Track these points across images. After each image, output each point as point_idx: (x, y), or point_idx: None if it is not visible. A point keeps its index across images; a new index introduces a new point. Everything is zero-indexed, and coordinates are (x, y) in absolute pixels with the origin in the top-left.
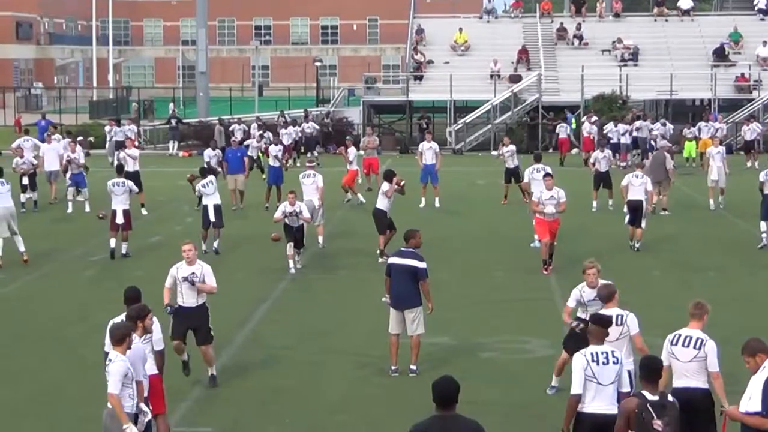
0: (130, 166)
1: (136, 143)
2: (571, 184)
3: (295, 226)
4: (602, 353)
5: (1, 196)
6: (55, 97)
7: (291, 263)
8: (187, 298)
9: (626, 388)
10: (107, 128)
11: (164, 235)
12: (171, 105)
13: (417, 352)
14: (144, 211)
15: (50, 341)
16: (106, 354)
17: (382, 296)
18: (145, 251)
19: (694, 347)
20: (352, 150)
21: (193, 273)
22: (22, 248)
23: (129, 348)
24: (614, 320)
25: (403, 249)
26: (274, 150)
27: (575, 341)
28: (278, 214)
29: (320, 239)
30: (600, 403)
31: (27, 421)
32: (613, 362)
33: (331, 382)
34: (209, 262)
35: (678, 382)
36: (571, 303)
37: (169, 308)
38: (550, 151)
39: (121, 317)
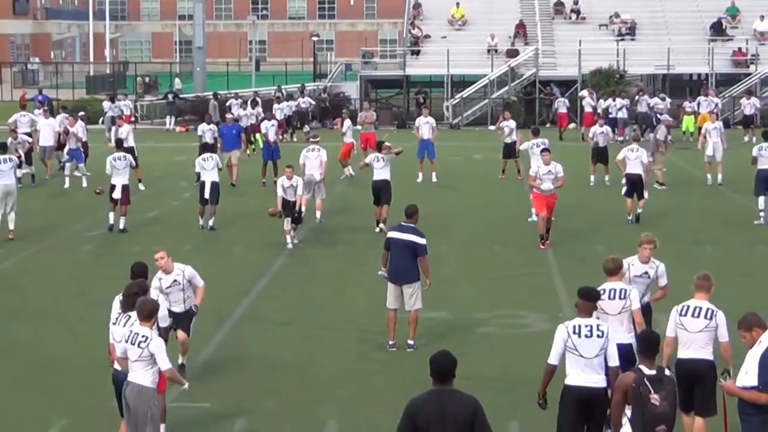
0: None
1: (132, 119)
2: (569, 158)
3: (292, 201)
4: (586, 326)
5: (2, 174)
6: (52, 72)
7: (288, 238)
8: (175, 305)
9: (614, 363)
10: (105, 104)
11: (161, 211)
12: (177, 80)
13: (415, 327)
14: (141, 186)
15: (48, 316)
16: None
17: (379, 270)
18: (143, 226)
19: (705, 317)
20: (347, 123)
21: (175, 281)
22: (12, 226)
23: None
24: (618, 294)
25: (403, 224)
26: (267, 125)
27: None
28: (279, 191)
29: (318, 214)
30: (584, 376)
31: (26, 395)
32: (597, 336)
33: (328, 356)
34: (204, 238)
35: (684, 353)
36: None
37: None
38: (548, 125)
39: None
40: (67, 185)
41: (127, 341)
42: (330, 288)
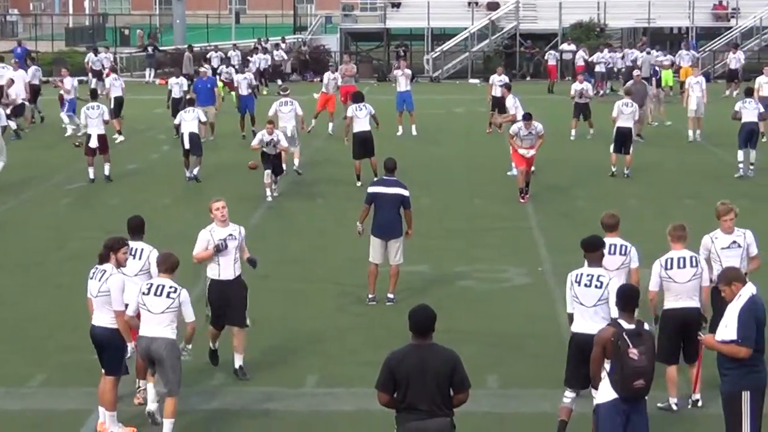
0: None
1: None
2: (556, 112)
3: (272, 154)
4: (587, 275)
5: None
6: (31, 24)
7: (268, 191)
8: (225, 270)
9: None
10: (89, 56)
11: (141, 164)
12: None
13: (396, 280)
14: (119, 138)
15: (28, 269)
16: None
17: (357, 224)
18: (122, 179)
19: (691, 266)
20: (327, 75)
21: (231, 235)
22: None
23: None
24: (618, 250)
25: (386, 178)
26: (239, 78)
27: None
28: (255, 142)
29: (296, 161)
30: (585, 323)
31: (5, 349)
32: (596, 286)
33: (308, 310)
34: (184, 191)
35: (675, 303)
36: (704, 254)
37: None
38: (528, 79)
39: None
40: (69, 132)
41: (147, 293)
42: (309, 241)
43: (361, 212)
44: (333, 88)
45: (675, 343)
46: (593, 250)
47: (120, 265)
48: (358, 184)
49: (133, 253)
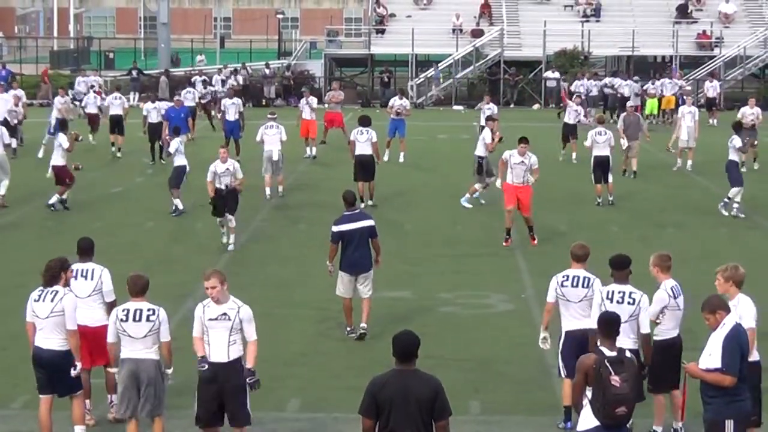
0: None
1: (103, 94)
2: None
3: (224, 189)
4: (619, 292)
5: None
6: (16, 47)
7: (224, 238)
8: (216, 350)
9: (645, 330)
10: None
11: (125, 187)
12: (200, 56)
13: (369, 311)
14: (119, 154)
15: (7, 291)
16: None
17: (327, 264)
18: (106, 202)
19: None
20: (302, 101)
21: (224, 314)
22: (2, 191)
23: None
24: (581, 282)
25: (348, 213)
26: (227, 103)
27: None
28: (209, 177)
29: (280, 188)
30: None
31: None
32: (629, 302)
33: (291, 334)
34: (167, 216)
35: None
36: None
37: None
38: (512, 106)
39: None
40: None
41: (126, 320)
42: (292, 266)
43: (329, 252)
44: (309, 114)
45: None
46: (621, 268)
47: (66, 284)
48: (362, 205)
49: (84, 273)
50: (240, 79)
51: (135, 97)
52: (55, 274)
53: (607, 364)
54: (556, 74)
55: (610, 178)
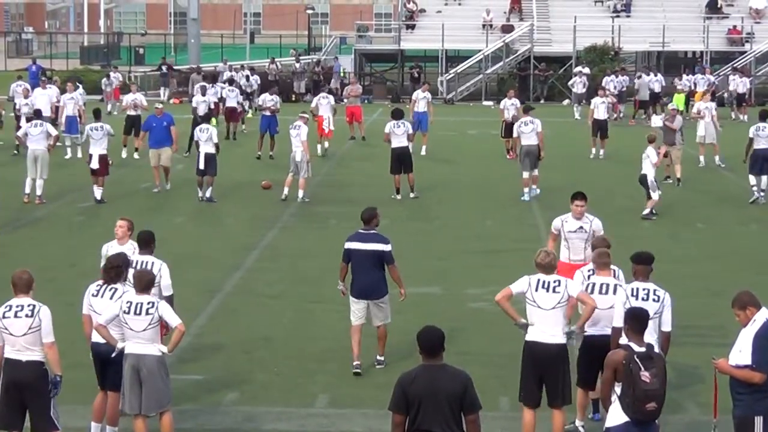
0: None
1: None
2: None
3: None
4: (644, 290)
5: (35, 138)
6: (46, 42)
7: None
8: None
9: (666, 328)
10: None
11: (153, 182)
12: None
13: (384, 342)
14: (136, 155)
15: (40, 285)
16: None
17: (338, 284)
18: (134, 198)
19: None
20: (316, 97)
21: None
22: (39, 192)
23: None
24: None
25: (362, 231)
26: (266, 98)
27: None
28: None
29: (300, 193)
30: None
31: None
32: (654, 300)
33: (319, 330)
34: (197, 210)
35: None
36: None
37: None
38: (542, 102)
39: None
40: (68, 155)
41: (128, 312)
42: (322, 261)
43: (340, 270)
44: (328, 110)
45: (595, 370)
46: (645, 264)
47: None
48: (398, 197)
49: (143, 267)
50: (253, 81)
51: (165, 93)
52: (120, 271)
53: (637, 360)
54: (587, 69)
55: (654, 195)
